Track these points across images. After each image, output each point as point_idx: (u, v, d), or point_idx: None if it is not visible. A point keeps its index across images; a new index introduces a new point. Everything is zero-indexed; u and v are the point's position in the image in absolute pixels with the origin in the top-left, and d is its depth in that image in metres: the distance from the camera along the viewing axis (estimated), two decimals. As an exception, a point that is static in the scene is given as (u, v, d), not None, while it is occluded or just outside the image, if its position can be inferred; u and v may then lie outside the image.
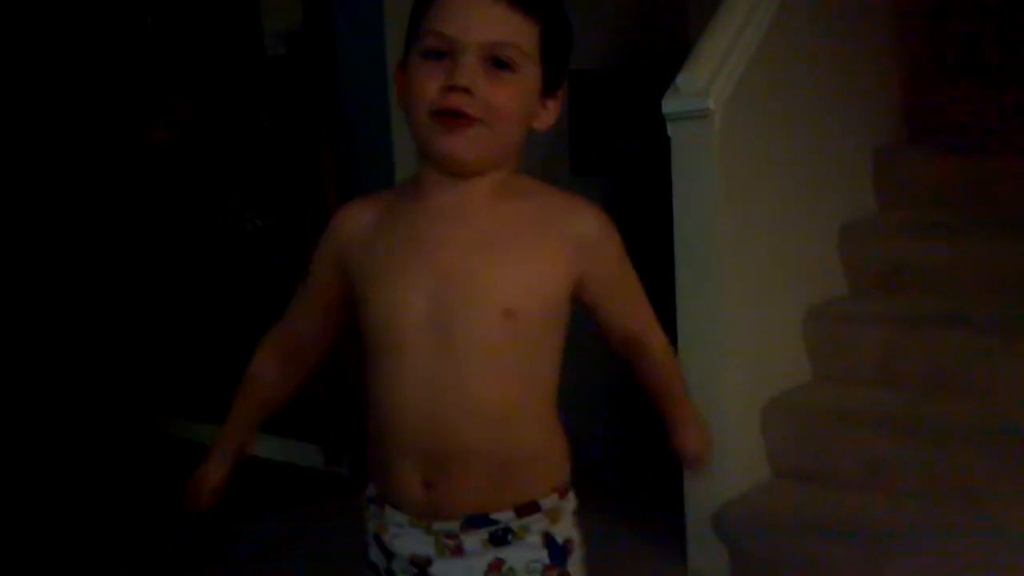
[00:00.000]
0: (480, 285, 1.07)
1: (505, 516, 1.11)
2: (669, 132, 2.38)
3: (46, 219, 3.97)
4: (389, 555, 1.16)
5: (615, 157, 3.52)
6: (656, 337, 1.22)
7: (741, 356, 2.46)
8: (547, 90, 1.10)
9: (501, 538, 1.12)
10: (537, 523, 1.13)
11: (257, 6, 3.52)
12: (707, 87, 2.33)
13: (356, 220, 1.17)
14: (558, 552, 1.14)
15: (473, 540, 1.11)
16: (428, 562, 1.13)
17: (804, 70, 2.68)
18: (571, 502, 1.17)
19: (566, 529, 1.15)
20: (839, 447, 2.44)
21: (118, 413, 3.94)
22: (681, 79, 2.36)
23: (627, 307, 1.18)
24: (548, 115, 1.12)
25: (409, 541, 1.13)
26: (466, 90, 1.02)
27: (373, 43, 3.13)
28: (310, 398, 3.25)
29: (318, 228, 3.55)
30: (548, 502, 1.14)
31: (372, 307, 1.11)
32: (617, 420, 3.03)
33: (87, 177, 3.96)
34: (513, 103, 1.06)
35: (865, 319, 2.67)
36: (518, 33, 1.04)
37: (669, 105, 2.36)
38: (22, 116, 3.90)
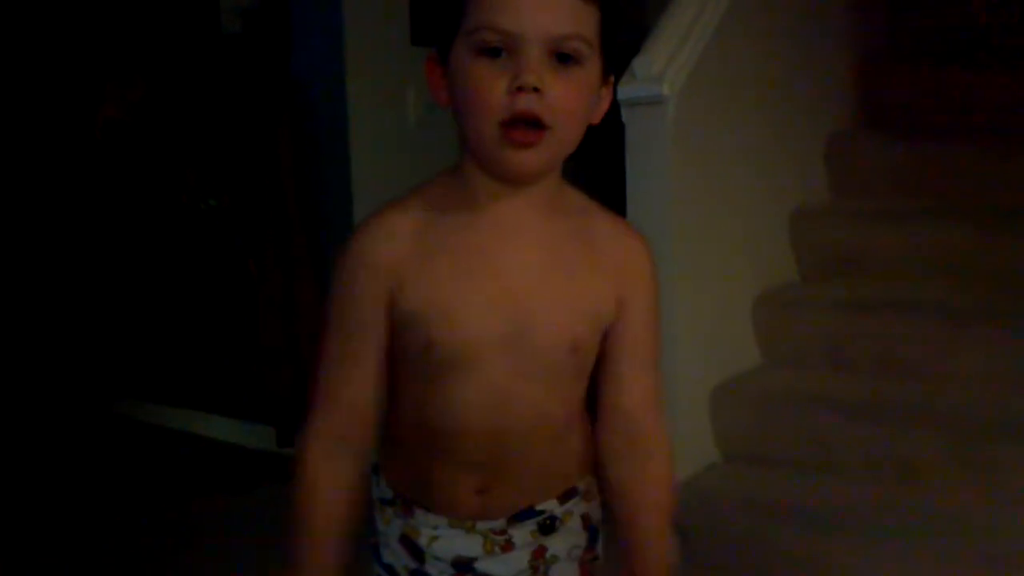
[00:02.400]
0: (551, 318, 1.03)
1: (550, 505, 1.11)
2: (623, 118, 2.39)
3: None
4: (421, 558, 1.12)
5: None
6: (660, 432, 1.11)
7: (691, 341, 2.48)
8: (603, 78, 1.01)
9: (549, 526, 1.11)
10: (577, 505, 1.13)
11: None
12: (662, 73, 2.33)
13: (397, 240, 1.02)
14: (593, 534, 1.16)
15: (522, 533, 1.10)
16: (472, 560, 1.10)
17: (759, 56, 2.70)
18: (595, 480, 1.16)
19: (597, 509, 1.16)
20: (788, 430, 2.47)
21: (74, 396, 3.90)
22: (637, 63, 2.36)
23: (641, 376, 1.10)
24: (603, 105, 1.03)
25: (451, 543, 1.10)
26: (535, 90, 0.93)
27: (331, 21, 3.11)
28: (262, 378, 3.26)
29: (274, 209, 3.50)
30: (583, 483, 1.14)
31: (439, 338, 1.01)
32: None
33: (37, 157, 3.90)
34: (580, 102, 0.97)
35: (815, 304, 2.70)
36: (582, 22, 0.95)
37: (623, 91, 2.36)
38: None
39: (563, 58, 0.94)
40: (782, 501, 2.34)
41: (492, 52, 0.94)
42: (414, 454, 1.09)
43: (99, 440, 3.63)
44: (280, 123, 3.18)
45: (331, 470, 1.06)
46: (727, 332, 2.64)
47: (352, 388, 1.05)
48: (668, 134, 2.36)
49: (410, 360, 1.05)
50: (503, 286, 1.02)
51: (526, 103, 0.93)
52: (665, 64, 2.35)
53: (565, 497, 1.12)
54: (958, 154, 2.88)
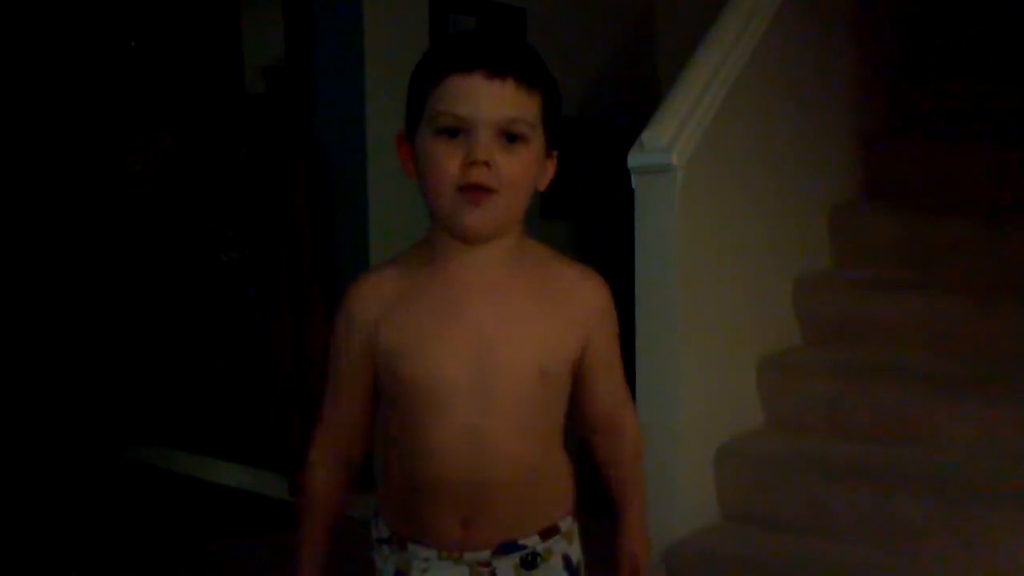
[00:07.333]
0: (519, 349, 1.16)
1: (532, 541, 1.22)
2: (633, 185, 2.48)
3: (21, 245, 4.00)
4: None
5: (584, 203, 3.62)
6: (631, 419, 1.32)
7: (696, 400, 2.55)
8: (547, 151, 1.18)
9: (531, 562, 1.22)
10: (558, 544, 1.24)
11: (239, 40, 3.58)
12: (671, 144, 2.43)
13: (377, 296, 1.20)
14: (573, 574, 1.26)
15: (505, 565, 1.21)
16: None
17: (765, 130, 2.80)
18: (576, 523, 1.28)
19: (577, 550, 1.27)
20: (787, 492, 2.52)
21: (89, 441, 3.96)
22: (646, 135, 2.45)
23: (611, 385, 1.28)
24: (547, 174, 1.20)
25: (440, 574, 1.20)
26: (486, 164, 1.10)
27: (353, 80, 3.20)
28: (275, 427, 3.32)
29: (290, 262, 3.54)
30: (565, 524, 1.25)
31: (411, 375, 1.16)
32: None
33: (64, 206, 3.99)
34: (525, 173, 1.13)
35: (815, 369, 2.77)
36: (525, 107, 1.12)
37: (634, 159, 2.46)
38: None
39: (511, 137, 1.12)
40: (778, 561, 2.39)
41: (450, 132, 1.11)
42: (404, 494, 1.21)
43: (110, 484, 3.68)
44: (299, 180, 3.26)
45: (326, 471, 1.28)
46: (731, 393, 2.71)
47: (339, 412, 1.26)
48: (676, 201, 2.45)
49: (393, 403, 1.19)
50: (469, 333, 1.16)
51: (477, 175, 1.10)
52: (674, 135, 2.44)
53: (546, 535, 1.23)
54: (954, 228, 2.96)
